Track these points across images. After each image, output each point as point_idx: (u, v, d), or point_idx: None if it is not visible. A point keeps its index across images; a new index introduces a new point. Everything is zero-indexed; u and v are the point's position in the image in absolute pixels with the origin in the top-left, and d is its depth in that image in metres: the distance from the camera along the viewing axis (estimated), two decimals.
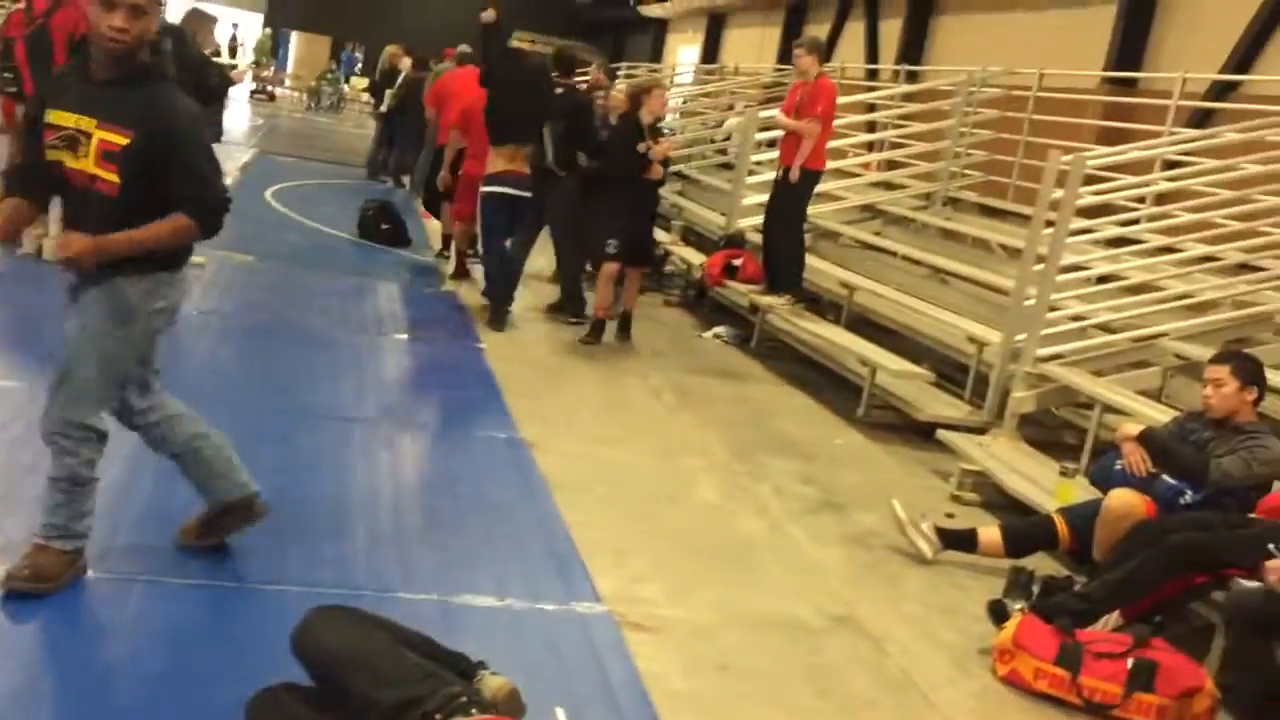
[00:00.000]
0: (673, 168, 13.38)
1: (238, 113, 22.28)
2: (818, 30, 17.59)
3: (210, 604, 3.62)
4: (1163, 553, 4.12)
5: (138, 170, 3.32)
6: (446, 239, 10.31)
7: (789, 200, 8.32)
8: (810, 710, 3.61)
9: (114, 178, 3.33)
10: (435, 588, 3.97)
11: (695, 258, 10.20)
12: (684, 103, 15.97)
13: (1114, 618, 4.17)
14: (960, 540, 4.96)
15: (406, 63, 15.16)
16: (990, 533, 4.96)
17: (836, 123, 10.85)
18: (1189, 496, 4.49)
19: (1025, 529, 4.97)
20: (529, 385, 6.83)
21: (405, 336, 7.68)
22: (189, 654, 3.30)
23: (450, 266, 9.78)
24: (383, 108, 15.41)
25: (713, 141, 14.13)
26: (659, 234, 11.23)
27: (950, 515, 5.56)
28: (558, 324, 8.60)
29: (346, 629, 2.83)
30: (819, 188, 9.93)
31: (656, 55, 26.17)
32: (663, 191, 12.96)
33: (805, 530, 5.18)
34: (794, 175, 8.11)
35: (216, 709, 2.97)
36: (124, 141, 3.31)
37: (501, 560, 4.31)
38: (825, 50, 8.53)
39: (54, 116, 3.37)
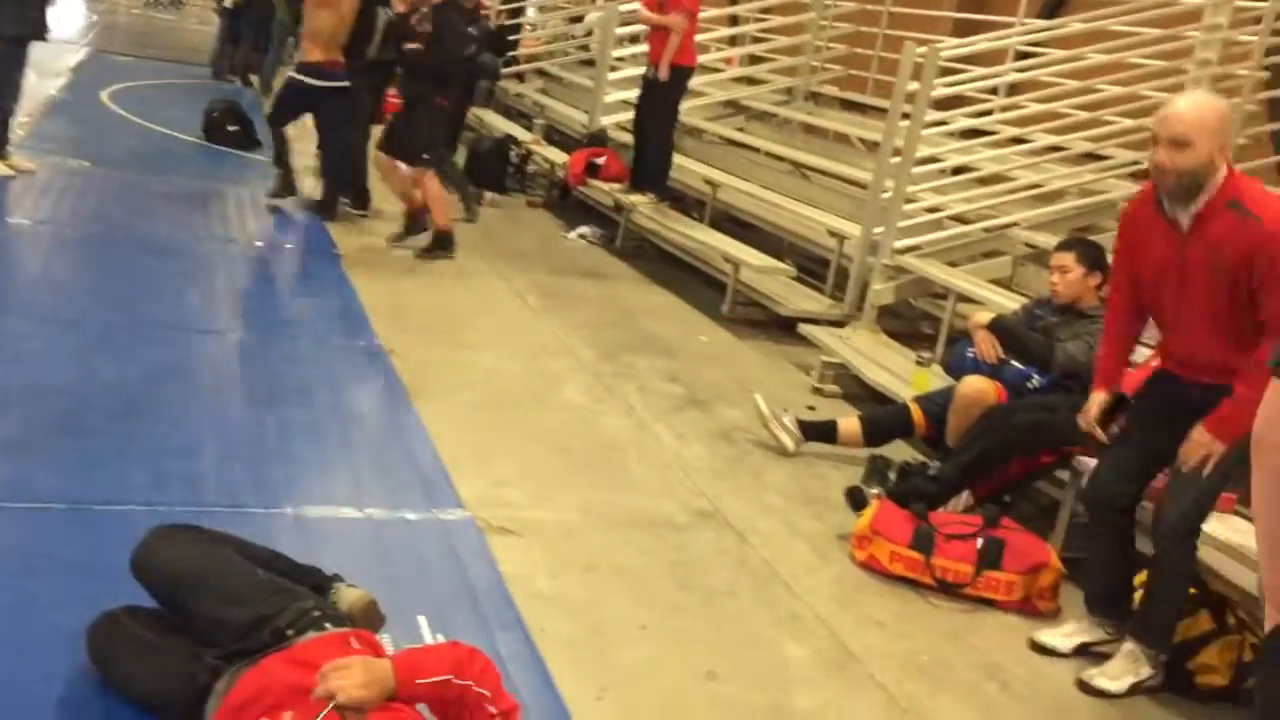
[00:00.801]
0: (534, 65, 13.16)
1: (68, 8, 20.89)
2: None
3: (48, 527, 3.45)
4: (1009, 433, 4.26)
5: None
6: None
7: (658, 98, 8.20)
8: (675, 604, 3.65)
9: None
10: (290, 501, 3.87)
11: (558, 157, 10.03)
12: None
13: (965, 497, 4.32)
14: (821, 431, 5.04)
15: None
16: (850, 423, 5.06)
17: (699, 18, 10.75)
18: (1036, 381, 4.63)
19: (883, 418, 5.08)
20: (389, 291, 6.65)
21: (257, 244, 7.39)
22: (26, 580, 3.14)
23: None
24: (227, 3, 14.62)
25: (573, 38, 13.82)
26: (520, 133, 11.04)
27: (811, 408, 5.66)
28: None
29: (189, 548, 2.72)
30: None
31: None
32: (524, 89, 12.80)
33: (670, 428, 5.20)
34: (663, 74, 7.98)
35: (56, 637, 2.83)
36: None
37: (360, 470, 4.22)
38: None
39: None
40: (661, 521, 4.24)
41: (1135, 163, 6.74)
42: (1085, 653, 3.66)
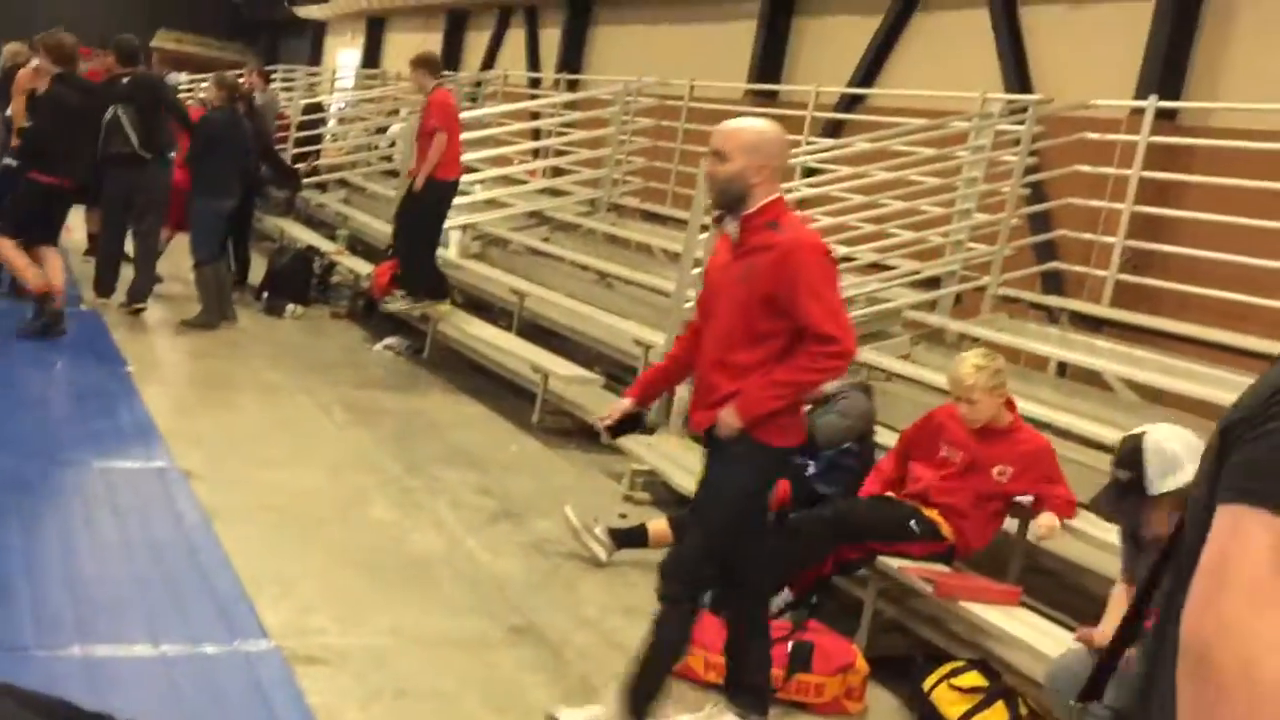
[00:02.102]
0: (336, 175, 13.08)
1: None
2: (478, 36, 17.62)
3: None
4: (819, 525, 4.39)
5: None
6: (92, 239, 9.51)
7: (415, 209, 8.36)
8: None
9: None
10: (77, 640, 3.63)
11: (362, 267, 9.94)
12: (344, 107, 15.55)
13: (784, 595, 4.40)
14: (632, 538, 5.09)
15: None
16: (659, 525, 5.12)
17: (503, 130, 10.99)
18: (812, 467, 4.85)
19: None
20: (185, 408, 6.41)
21: (38, 363, 6.99)
22: None
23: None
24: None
25: (375, 148, 13.83)
26: (322, 243, 10.90)
27: (623, 516, 5.69)
28: (208, 339, 8.13)
29: None
30: (486, 195, 10.01)
31: (315, 58, 25.29)
32: (326, 199, 12.69)
33: (482, 542, 5.15)
34: (418, 184, 8.17)
35: None
36: None
37: (154, 603, 4.00)
38: (438, 63, 8.72)
39: None
40: (475, 640, 4.17)
41: (916, 272, 7.20)
42: None
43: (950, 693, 3.81)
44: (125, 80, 8.23)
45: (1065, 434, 5.45)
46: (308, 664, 3.74)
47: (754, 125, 3.52)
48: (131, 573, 4.23)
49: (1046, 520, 4.32)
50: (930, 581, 4.06)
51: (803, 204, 8.21)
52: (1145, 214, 6.84)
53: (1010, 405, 4.56)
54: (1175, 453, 3.23)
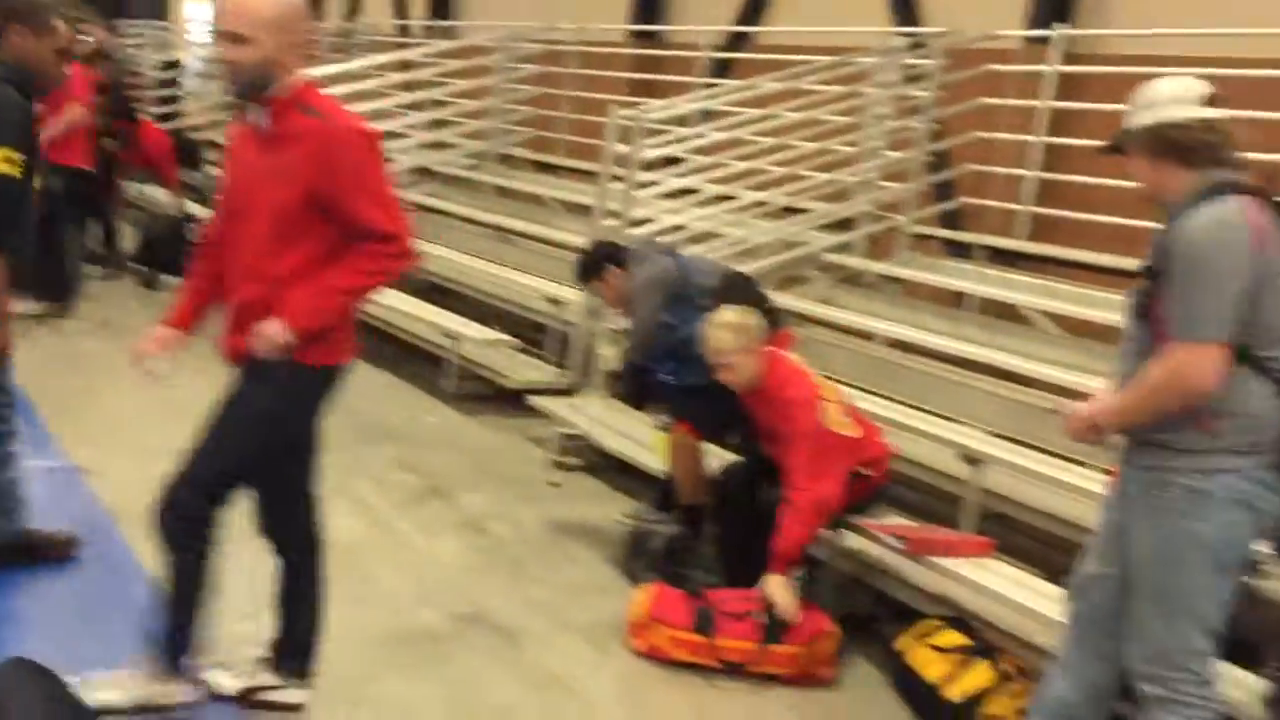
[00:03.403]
0: (204, 135, 12.32)
1: None
2: None
3: None
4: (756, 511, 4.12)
5: None
6: None
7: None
8: None
9: None
10: None
11: None
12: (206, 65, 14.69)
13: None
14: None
15: None
16: None
17: (378, 83, 10.45)
18: (670, 376, 4.71)
19: None
20: (67, 397, 5.87)
21: None
22: None
23: None
24: None
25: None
26: (199, 209, 10.25)
27: (555, 484, 5.47)
28: (85, 329, 7.56)
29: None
30: None
31: (161, 13, 23.88)
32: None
33: (414, 523, 4.86)
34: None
35: None
36: None
37: (66, 624, 3.62)
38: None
39: None
40: (423, 635, 3.90)
41: (829, 215, 7.05)
42: (251, 698, 3.32)
43: (929, 653, 3.67)
44: None
45: (988, 369, 5.42)
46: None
47: None
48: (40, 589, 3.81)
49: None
50: (900, 538, 3.91)
51: (710, 149, 7.96)
52: (1050, 144, 6.77)
53: (772, 364, 4.18)
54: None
